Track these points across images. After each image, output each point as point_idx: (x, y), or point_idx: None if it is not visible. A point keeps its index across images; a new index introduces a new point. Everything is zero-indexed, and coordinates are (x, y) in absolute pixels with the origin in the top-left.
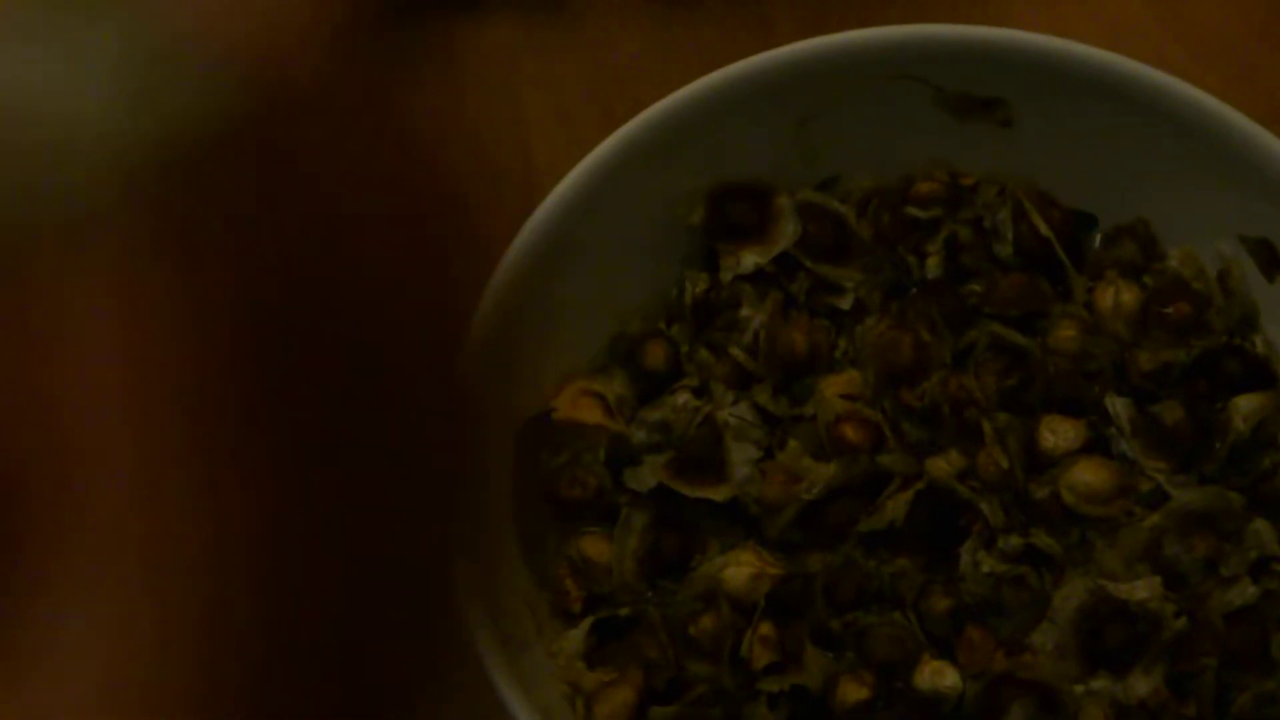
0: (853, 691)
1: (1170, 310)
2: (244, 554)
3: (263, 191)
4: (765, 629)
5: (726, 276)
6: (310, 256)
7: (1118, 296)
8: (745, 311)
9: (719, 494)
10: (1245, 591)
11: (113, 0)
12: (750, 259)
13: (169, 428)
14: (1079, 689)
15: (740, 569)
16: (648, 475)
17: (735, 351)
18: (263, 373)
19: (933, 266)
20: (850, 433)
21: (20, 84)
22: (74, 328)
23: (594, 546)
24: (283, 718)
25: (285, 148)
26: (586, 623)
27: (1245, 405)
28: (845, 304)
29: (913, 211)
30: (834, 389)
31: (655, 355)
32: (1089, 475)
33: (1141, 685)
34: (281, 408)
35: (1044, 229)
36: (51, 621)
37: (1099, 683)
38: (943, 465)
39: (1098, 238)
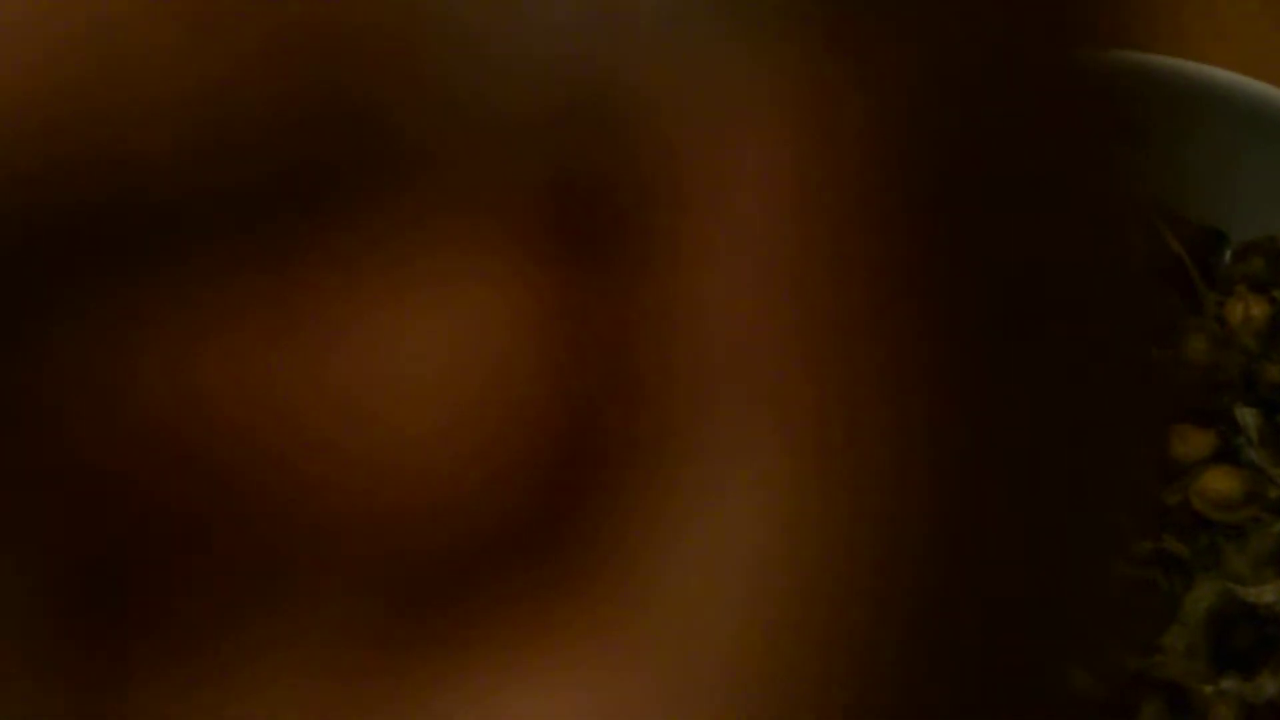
0: None
1: None
2: (924, 467)
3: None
4: None
5: None
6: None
7: (1247, 310)
8: None
9: None
10: None
11: None
12: None
13: (850, 275)
14: (1209, 689)
15: None
16: None
17: None
18: (958, 220)
19: None
20: None
21: None
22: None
23: None
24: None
25: None
26: None
27: None
28: None
29: None
30: None
31: None
32: (1218, 483)
33: (1270, 685)
34: (972, 271)
35: (1175, 245)
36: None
37: (1228, 683)
38: None
39: (1227, 253)
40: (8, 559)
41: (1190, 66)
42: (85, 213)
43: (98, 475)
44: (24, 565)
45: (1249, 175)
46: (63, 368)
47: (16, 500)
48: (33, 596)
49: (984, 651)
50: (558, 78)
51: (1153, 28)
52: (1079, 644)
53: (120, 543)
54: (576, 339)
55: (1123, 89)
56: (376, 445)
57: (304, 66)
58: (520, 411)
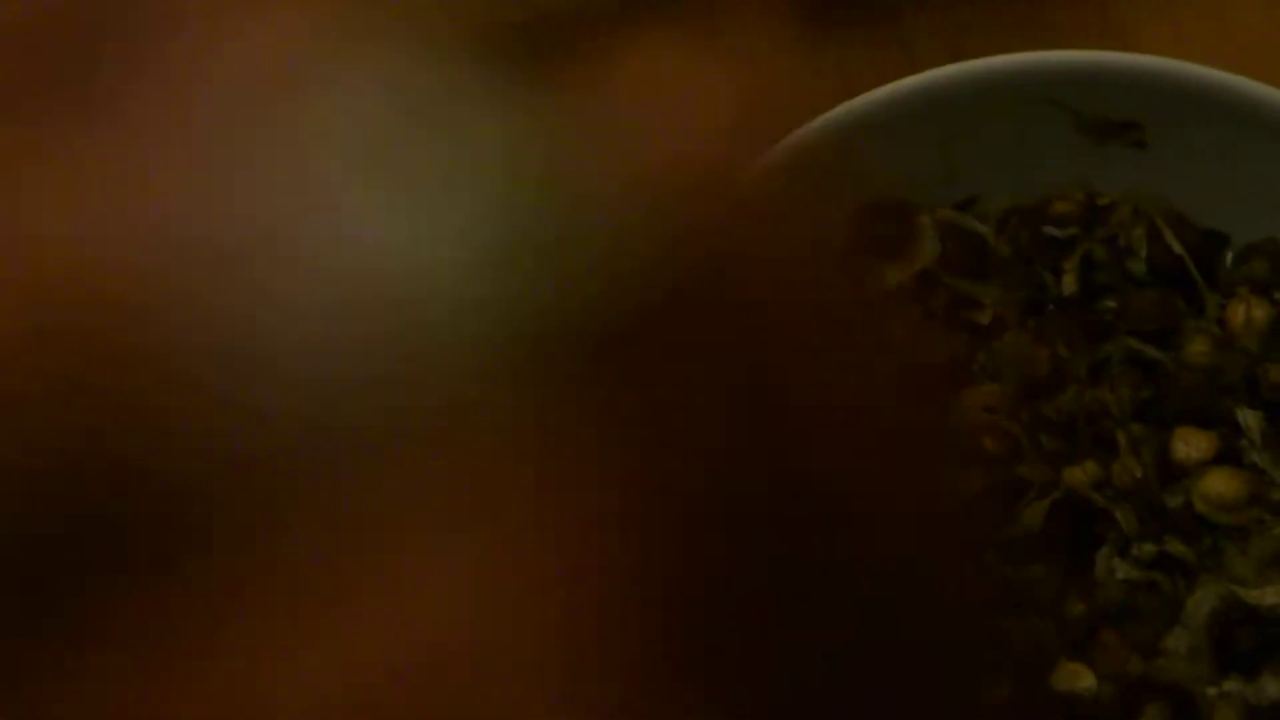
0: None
1: None
2: None
3: (704, 361)
4: None
5: None
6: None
7: (1249, 313)
8: None
9: None
10: None
11: (502, 141)
12: (892, 275)
13: (608, 671)
14: (1211, 691)
15: None
16: None
17: None
18: (723, 588)
19: (1069, 283)
20: (989, 443)
21: (398, 254)
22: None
23: None
24: None
25: (726, 309)
26: None
27: None
28: (984, 319)
29: (1049, 230)
30: (973, 401)
31: None
32: (1221, 485)
33: (1272, 687)
34: (748, 634)
35: (1177, 247)
36: None
37: (1231, 685)
38: (1079, 475)
39: (1229, 256)
40: None
41: (1193, 68)
42: None
43: None
44: None
45: (1251, 177)
46: None
47: None
48: None
49: None
50: (310, 427)
51: None
52: None
53: None
54: None
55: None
56: None
57: (66, 423)
58: None
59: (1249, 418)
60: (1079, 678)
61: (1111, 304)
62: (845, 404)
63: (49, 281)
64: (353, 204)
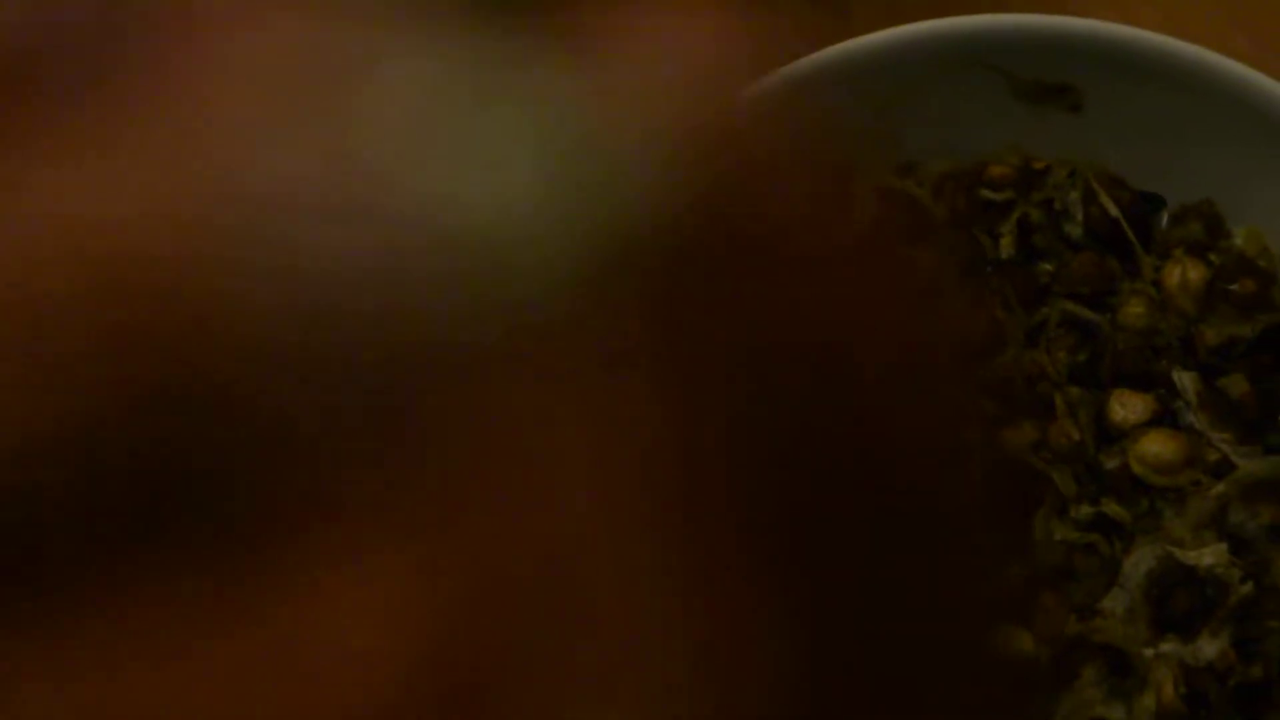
0: None
1: (1235, 287)
2: None
3: (737, 289)
4: None
5: None
6: (807, 361)
7: (1184, 274)
8: None
9: None
10: None
11: (526, 98)
12: None
13: (652, 586)
14: (1149, 652)
15: None
16: None
17: None
18: (766, 510)
19: (1006, 247)
20: None
21: (443, 202)
22: (533, 453)
23: None
24: None
25: (755, 234)
26: None
27: None
28: None
29: (986, 194)
30: None
31: None
32: (1157, 446)
33: (1209, 648)
34: (792, 566)
35: (1113, 210)
36: None
37: (1168, 646)
38: (1016, 437)
39: (1165, 218)
40: None
41: (1127, 30)
42: None
43: None
44: None
45: (1186, 139)
46: None
47: None
48: None
49: None
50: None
51: None
52: None
53: None
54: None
55: None
56: None
57: (134, 377)
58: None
59: (1185, 379)
60: (1016, 641)
61: (1048, 267)
62: (880, 323)
63: (105, 245)
64: (418, 157)
